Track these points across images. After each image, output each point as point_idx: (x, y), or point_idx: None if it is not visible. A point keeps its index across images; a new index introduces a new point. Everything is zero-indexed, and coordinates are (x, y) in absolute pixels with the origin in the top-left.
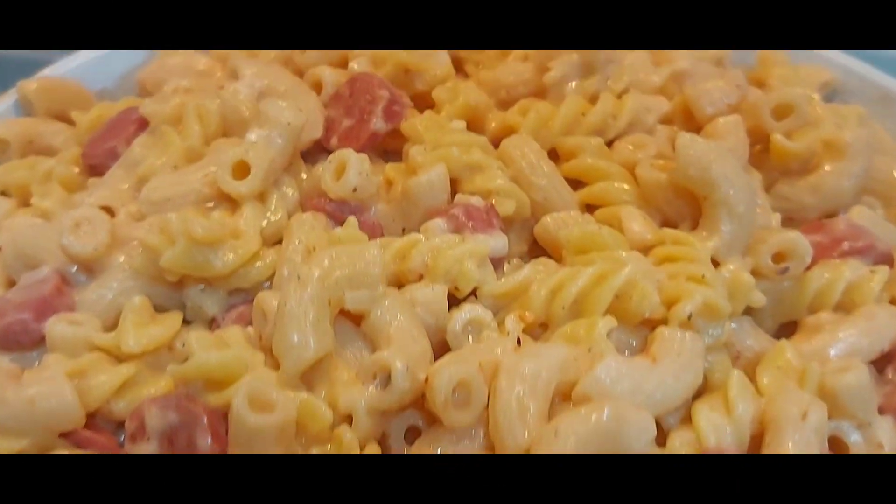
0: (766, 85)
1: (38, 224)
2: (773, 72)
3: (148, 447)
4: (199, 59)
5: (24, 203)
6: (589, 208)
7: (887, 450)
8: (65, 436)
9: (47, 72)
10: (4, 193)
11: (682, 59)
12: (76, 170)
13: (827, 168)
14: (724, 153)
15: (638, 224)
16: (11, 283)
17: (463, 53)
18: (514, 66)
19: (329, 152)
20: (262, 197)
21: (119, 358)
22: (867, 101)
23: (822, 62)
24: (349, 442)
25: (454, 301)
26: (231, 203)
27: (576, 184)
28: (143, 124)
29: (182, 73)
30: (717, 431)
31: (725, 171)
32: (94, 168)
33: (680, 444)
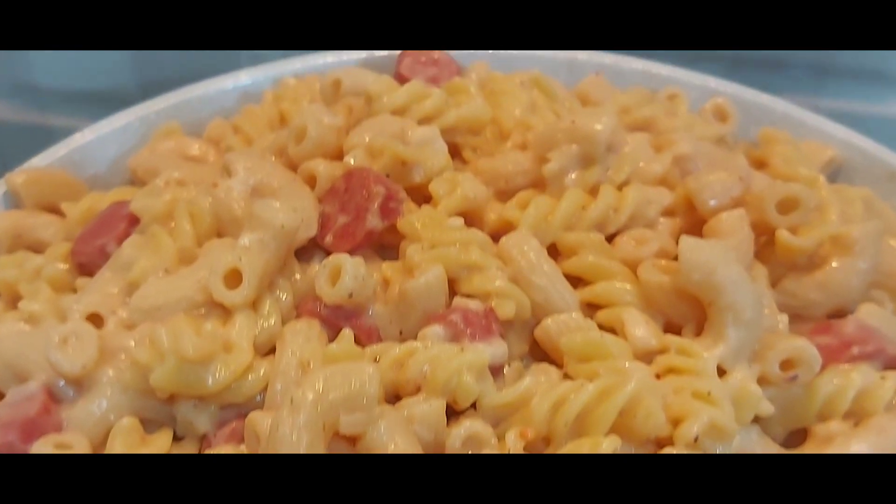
0: (769, 165)
1: (25, 333)
2: (775, 150)
3: None
4: (192, 144)
5: (12, 300)
6: (590, 307)
7: None
8: None
9: (36, 161)
10: None
11: (684, 143)
12: (65, 267)
13: (834, 264)
14: (728, 257)
15: (641, 329)
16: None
17: (460, 139)
18: (513, 155)
19: (324, 249)
20: (255, 304)
21: None
22: (873, 179)
23: (825, 138)
24: None
25: (452, 412)
26: (223, 310)
27: (577, 280)
28: (133, 220)
29: (174, 160)
30: None
31: (731, 277)
32: (84, 266)
33: None
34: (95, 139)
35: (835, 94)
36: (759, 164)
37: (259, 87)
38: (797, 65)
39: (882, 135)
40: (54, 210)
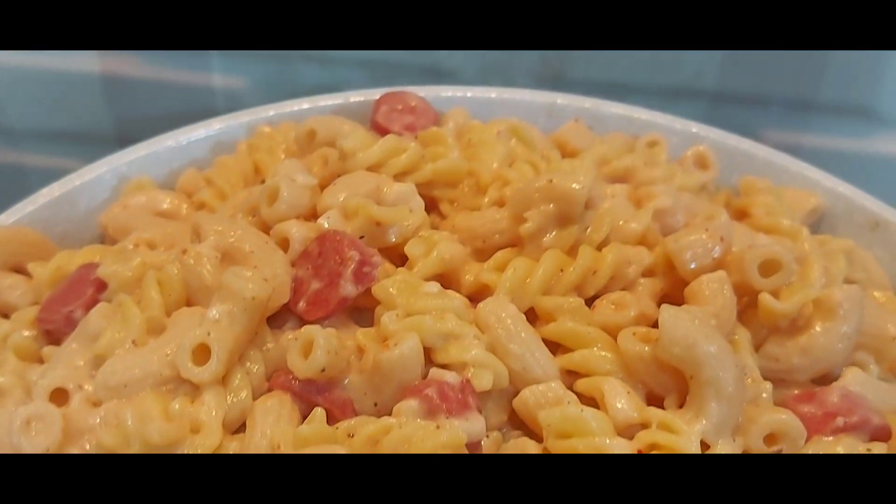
0: (751, 215)
1: None
2: (756, 200)
3: None
4: (164, 199)
5: None
6: (570, 374)
7: None
8: None
9: (2, 218)
10: None
11: (664, 196)
12: (32, 334)
13: (818, 328)
14: (709, 331)
15: (622, 402)
16: None
17: (437, 192)
18: (490, 213)
19: (297, 315)
20: (225, 378)
21: None
22: (856, 227)
23: (808, 184)
24: None
25: None
26: (192, 385)
27: (556, 345)
28: (101, 286)
29: (145, 217)
30: None
31: (712, 352)
32: (51, 334)
33: None
34: (65, 194)
35: (818, 131)
36: (741, 214)
37: (233, 136)
38: (779, 101)
39: (866, 172)
40: (21, 270)
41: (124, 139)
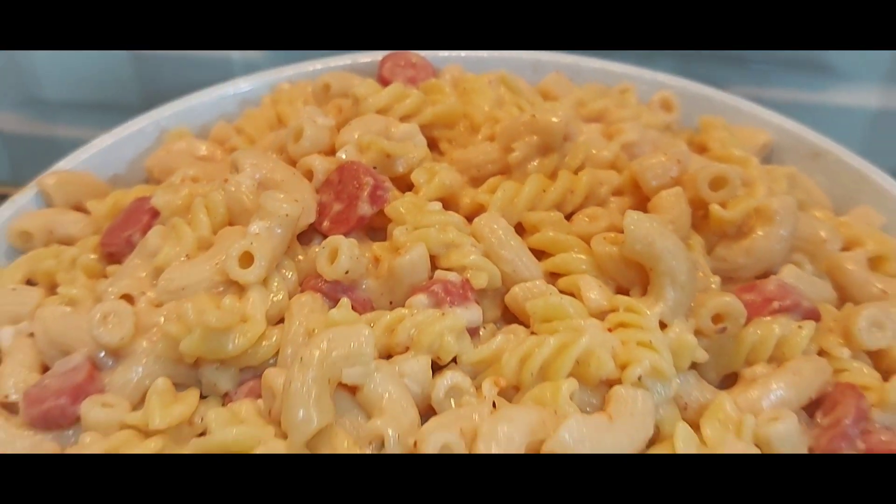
0: (708, 149)
1: (67, 313)
2: (713, 136)
3: None
4: (201, 145)
5: (51, 288)
6: (552, 276)
7: None
8: None
9: (62, 164)
10: (30, 282)
11: (631, 131)
12: (95, 257)
13: (759, 233)
14: (666, 230)
15: (595, 293)
16: (44, 368)
17: (437, 133)
18: (483, 146)
19: (322, 234)
20: (265, 281)
21: (146, 433)
22: (799, 157)
23: (759, 123)
24: None
25: (437, 367)
26: (239, 288)
27: (540, 253)
28: (155, 214)
29: (186, 159)
30: None
31: (668, 246)
32: (113, 255)
33: None
34: (114, 143)
35: (777, 85)
36: (700, 149)
37: (257, 93)
38: (743, 59)
39: (818, 120)
40: (81, 209)
41: (150, 109)
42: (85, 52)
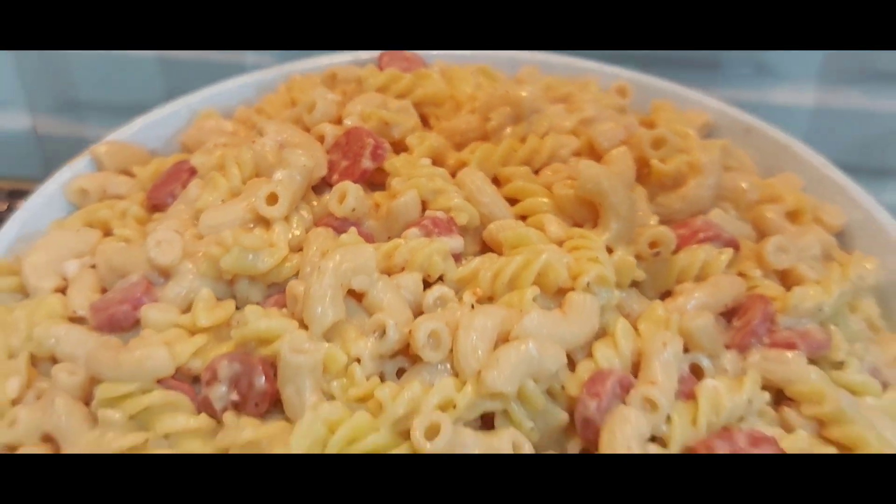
0: (655, 126)
1: (124, 247)
2: (660, 115)
3: (219, 389)
4: (226, 124)
5: (107, 233)
6: (521, 219)
7: (730, 374)
8: (160, 381)
9: (113, 135)
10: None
11: (589, 109)
12: (143, 209)
13: (691, 183)
14: (611, 173)
15: (555, 227)
16: (104, 291)
17: (427, 110)
18: (465, 117)
19: (332, 186)
20: (287, 219)
21: (193, 333)
22: (733, 133)
23: (702, 107)
24: (359, 377)
25: (426, 285)
26: (265, 224)
27: (512, 201)
28: (193, 172)
29: (216, 133)
30: (608, 361)
31: (612, 185)
32: (157, 207)
33: (583, 370)
34: (153, 122)
35: (725, 86)
36: (649, 126)
37: (273, 83)
38: (695, 61)
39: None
40: (127, 174)
41: None
42: (115, 57)
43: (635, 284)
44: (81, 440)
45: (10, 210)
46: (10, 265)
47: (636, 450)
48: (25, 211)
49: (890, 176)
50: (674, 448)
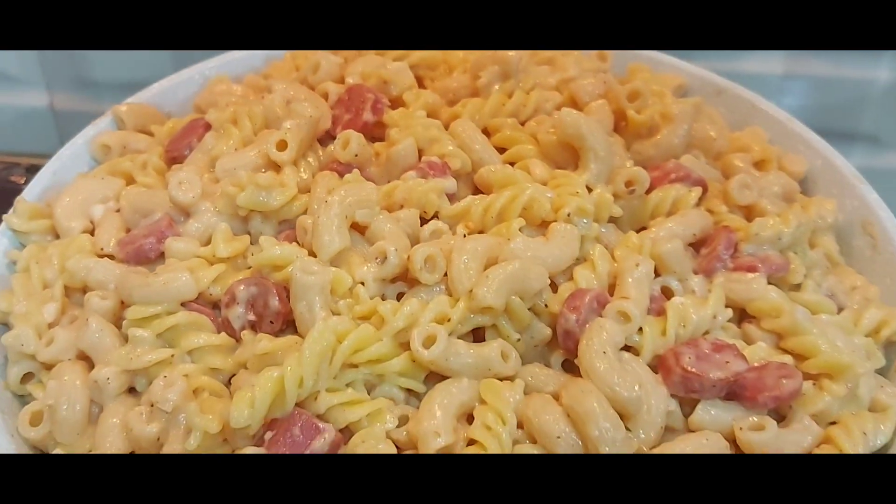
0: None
1: (146, 191)
2: (638, 77)
3: (237, 310)
4: (237, 88)
5: (128, 183)
6: (509, 164)
7: (698, 295)
8: (184, 304)
9: (132, 99)
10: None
11: (571, 69)
12: (161, 161)
13: (664, 131)
14: (590, 119)
15: (539, 169)
16: (128, 232)
17: (422, 72)
18: (457, 77)
19: (335, 138)
20: (295, 163)
21: (212, 263)
22: (705, 94)
23: (677, 71)
24: (363, 296)
25: (423, 221)
26: (276, 168)
27: (500, 150)
28: (208, 127)
29: (227, 96)
30: (587, 281)
31: (591, 129)
32: (175, 158)
33: (565, 290)
34: (169, 86)
35: (698, 57)
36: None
37: (278, 53)
38: None
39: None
40: (146, 132)
41: None
42: None
43: (613, 220)
44: (113, 356)
45: (28, 182)
46: (42, 209)
47: (611, 356)
48: (56, 161)
49: (855, 139)
50: (645, 355)
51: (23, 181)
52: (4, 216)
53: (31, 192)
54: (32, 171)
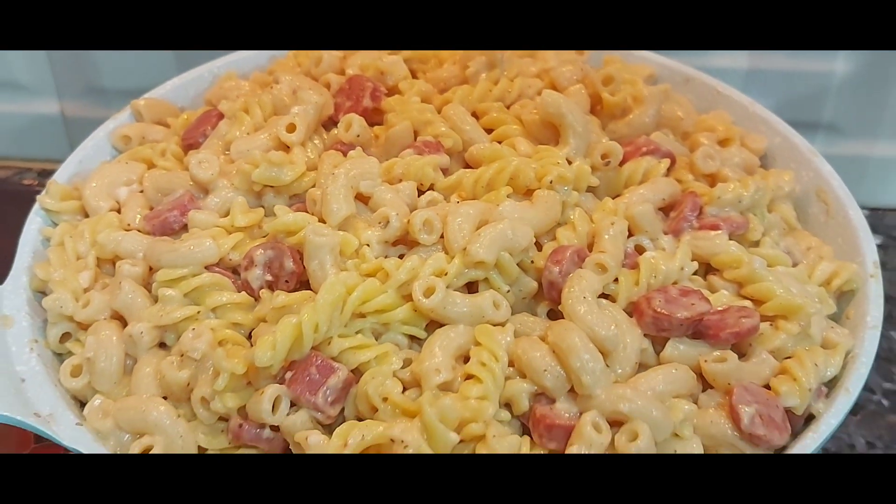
0: None
1: (165, 173)
2: (611, 67)
3: (255, 272)
4: (244, 83)
5: (150, 168)
6: (497, 143)
7: (667, 251)
8: (207, 267)
9: (148, 94)
10: None
11: (552, 60)
12: (179, 148)
13: (635, 112)
14: (569, 100)
15: (524, 145)
16: (151, 210)
17: (415, 66)
18: (447, 68)
19: (338, 124)
20: (303, 145)
21: (231, 232)
22: (674, 83)
23: (647, 61)
24: (369, 256)
25: (420, 194)
26: (286, 149)
27: (488, 131)
28: (221, 116)
29: (236, 90)
30: (568, 239)
31: (570, 108)
32: (192, 145)
33: (548, 247)
34: (181, 83)
35: (671, 56)
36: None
37: (282, 52)
38: None
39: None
40: (162, 124)
41: None
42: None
43: (591, 190)
44: (145, 313)
45: (40, 186)
46: (72, 191)
47: (590, 301)
48: (81, 150)
49: (818, 129)
50: (621, 302)
51: (35, 184)
52: (38, 197)
53: (60, 178)
54: (44, 175)
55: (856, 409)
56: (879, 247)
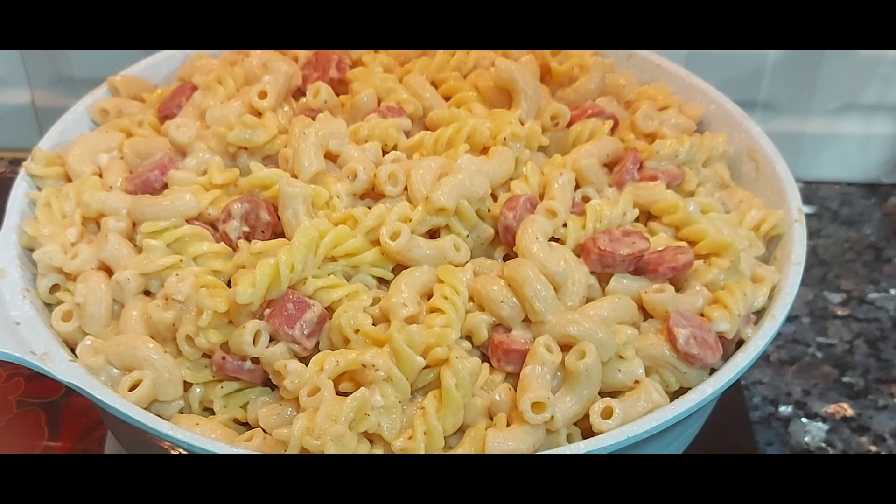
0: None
1: (144, 140)
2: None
3: (233, 224)
4: (215, 62)
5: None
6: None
7: (611, 201)
8: (188, 221)
9: (125, 71)
10: None
11: None
12: (156, 119)
13: (582, 79)
14: (519, 65)
15: (479, 109)
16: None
17: None
18: None
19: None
20: (274, 111)
21: (208, 188)
22: (617, 59)
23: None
24: (339, 206)
25: (385, 151)
26: (258, 115)
27: (446, 99)
28: (195, 88)
29: (207, 67)
30: (521, 189)
31: (521, 74)
32: (167, 117)
33: (503, 198)
34: (154, 62)
35: None
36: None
37: None
38: None
39: None
40: (138, 100)
41: None
42: None
43: (542, 149)
44: (131, 261)
45: (12, 174)
46: (55, 158)
47: (542, 241)
48: (61, 123)
49: (755, 107)
50: (569, 244)
51: (7, 171)
52: (24, 163)
53: (44, 147)
54: (16, 163)
55: (792, 361)
56: (813, 216)
